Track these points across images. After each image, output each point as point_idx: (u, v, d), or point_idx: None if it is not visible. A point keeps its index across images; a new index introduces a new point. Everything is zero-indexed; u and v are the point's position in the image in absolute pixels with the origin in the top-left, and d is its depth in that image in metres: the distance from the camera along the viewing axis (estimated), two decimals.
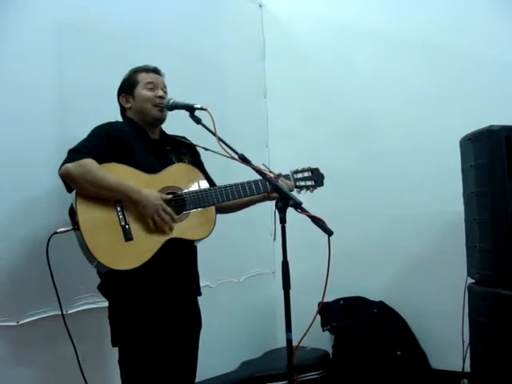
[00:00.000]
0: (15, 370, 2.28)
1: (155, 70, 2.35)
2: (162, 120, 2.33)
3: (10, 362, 2.26)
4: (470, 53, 3.27)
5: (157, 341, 2.11)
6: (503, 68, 3.14)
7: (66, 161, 2.05)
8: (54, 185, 2.29)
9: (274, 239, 3.07)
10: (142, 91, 2.30)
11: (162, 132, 2.41)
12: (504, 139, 2.49)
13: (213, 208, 2.29)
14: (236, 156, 2.05)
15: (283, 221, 1.93)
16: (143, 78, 2.32)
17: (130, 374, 2.11)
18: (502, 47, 3.16)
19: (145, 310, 2.11)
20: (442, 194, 3.24)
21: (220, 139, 2.07)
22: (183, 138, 2.46)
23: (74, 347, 2.22)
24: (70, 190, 2.10)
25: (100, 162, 2.08)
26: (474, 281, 2.74)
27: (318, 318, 3.38)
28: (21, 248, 2.32)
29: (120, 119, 2.37)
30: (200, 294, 2.37)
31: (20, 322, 2.28)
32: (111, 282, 2.14)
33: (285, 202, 1.93)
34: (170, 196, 2.18)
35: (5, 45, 2.34)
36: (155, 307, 2.14)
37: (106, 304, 2.22)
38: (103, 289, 2.19)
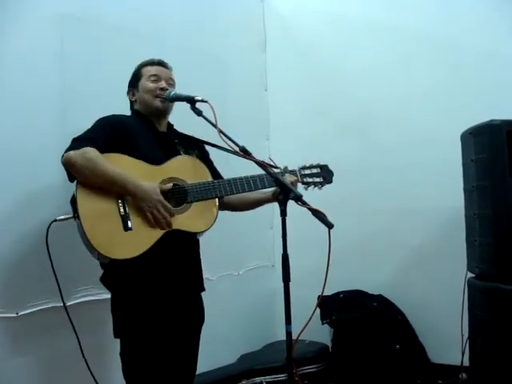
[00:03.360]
0: (14, 361, 2.28)
1: (160, 63, 2.36)
2: (164, 111, 2.33)
3: (10, 353, 2.26)
4: (472, 47, 3.26)
5: (158, 333, 2.11)
6: (505, 62, 3.14)
7: (69, 149, 2.06)
8: (55, 177, 2.30)
9: None
10: (144, 83, 2.31)
11: (170, 125, 2.41)
12: (505, 134, 2.49)
13: (215, 201, 2.28)
14: (237, 148, 2.05)
15: (284, 213, 1.93)
16: (147, 71, 2.33)
17: (131, 366, 2.10)
18: (503, 41, 3.16)
19: (147, 302, 2.11)
20: (443, 188, 3.24)
21: (221, 131, 2.07)
22: (191, 136, 2.45)
23: (78, 338, 2.23)
24: (71, 179, 2.10)
25: (103, 152, 2.08)
26: (473, 275, 2.74)
27: (318, 311, 3.38)
28: (20, 240, 2.32)
29: (128, 113, 2.37)
30: (203, 290, 2.36)
31: (19, 314, 2.28)
32: (114, 273, 2.13)
33: (285, 194, 1.93)
34: (170, 185, 2.16)
35: (6, 37, 2.33)
36: (157, 299, 2.13)
37: (106, 296, 2.22)
38: (106, 280, 2.18)
